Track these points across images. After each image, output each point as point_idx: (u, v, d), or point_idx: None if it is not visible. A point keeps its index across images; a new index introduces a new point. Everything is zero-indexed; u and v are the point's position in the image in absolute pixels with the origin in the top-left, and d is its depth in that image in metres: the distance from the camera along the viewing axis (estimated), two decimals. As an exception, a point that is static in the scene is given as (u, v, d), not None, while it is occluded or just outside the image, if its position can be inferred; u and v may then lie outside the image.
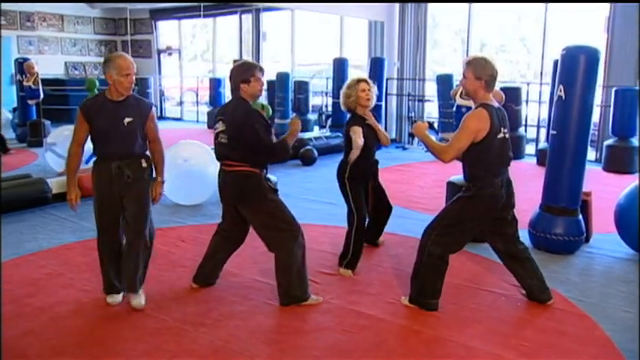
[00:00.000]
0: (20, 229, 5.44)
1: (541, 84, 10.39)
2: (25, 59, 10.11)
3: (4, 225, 5.45)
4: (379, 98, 10.69)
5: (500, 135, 3.44)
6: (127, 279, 3.67)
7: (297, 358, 3.16)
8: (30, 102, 9.66)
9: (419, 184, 7.75)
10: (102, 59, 3.54)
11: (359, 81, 4.41)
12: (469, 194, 3.56)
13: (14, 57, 11.44)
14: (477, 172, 3.52)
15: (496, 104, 3.52)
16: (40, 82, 9.66)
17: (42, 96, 9.53)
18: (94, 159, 3.67)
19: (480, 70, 3.42)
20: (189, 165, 6.28)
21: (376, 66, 10.82)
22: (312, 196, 6.97)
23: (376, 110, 10.66)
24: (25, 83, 9.57)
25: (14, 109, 10.50)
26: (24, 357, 3.12)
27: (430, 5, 11.39)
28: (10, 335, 3.33)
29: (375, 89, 4.49)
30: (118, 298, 3.78)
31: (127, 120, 3.51)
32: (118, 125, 3.49)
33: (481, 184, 3.50)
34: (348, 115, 4.53)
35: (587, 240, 5.07)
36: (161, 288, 4.06)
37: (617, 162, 8.69)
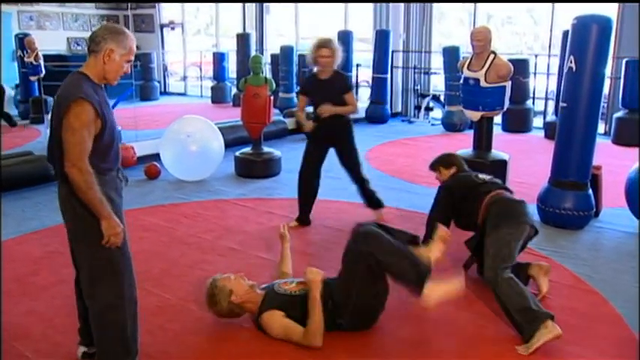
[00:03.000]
0: (22, 206, 5.40)
1: (549, 56, 10.20)
2: (26, 35, 10.00)
3: (6, 202, 5.43)
4: (384, 71, 10.68)
5: None
6: None
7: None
8: (32, 78, 9.57)
9: (425, 158, 7.62)
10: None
11: (320, 47, 4.54)
12: None
13: (15, 33, 11.32)
14: None
15: None
16: (41, 58, 9.58)
17: (43, 72, 9.45)
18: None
19: None
20: (193, 140, 6.20)
21: (381, 38, 10.65)
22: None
23: (382, 83, 10.68)
24: (26, 59, 9.48)
25: (17, 86, 10.40)
26: (27, 337, 3.08)
27: (436, -24, 11.14)
28: (14, 314, 3.31)
29: (338, 54, 4.59)
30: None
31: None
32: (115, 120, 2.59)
33: None
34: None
35: (596, 215, 5.00)
36: (163, 265, 4.02)
37: (627, 135, 8.48)
